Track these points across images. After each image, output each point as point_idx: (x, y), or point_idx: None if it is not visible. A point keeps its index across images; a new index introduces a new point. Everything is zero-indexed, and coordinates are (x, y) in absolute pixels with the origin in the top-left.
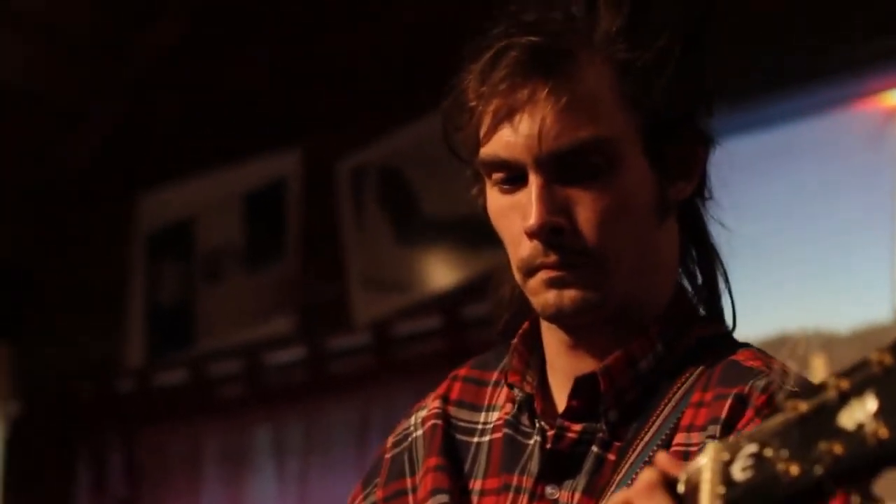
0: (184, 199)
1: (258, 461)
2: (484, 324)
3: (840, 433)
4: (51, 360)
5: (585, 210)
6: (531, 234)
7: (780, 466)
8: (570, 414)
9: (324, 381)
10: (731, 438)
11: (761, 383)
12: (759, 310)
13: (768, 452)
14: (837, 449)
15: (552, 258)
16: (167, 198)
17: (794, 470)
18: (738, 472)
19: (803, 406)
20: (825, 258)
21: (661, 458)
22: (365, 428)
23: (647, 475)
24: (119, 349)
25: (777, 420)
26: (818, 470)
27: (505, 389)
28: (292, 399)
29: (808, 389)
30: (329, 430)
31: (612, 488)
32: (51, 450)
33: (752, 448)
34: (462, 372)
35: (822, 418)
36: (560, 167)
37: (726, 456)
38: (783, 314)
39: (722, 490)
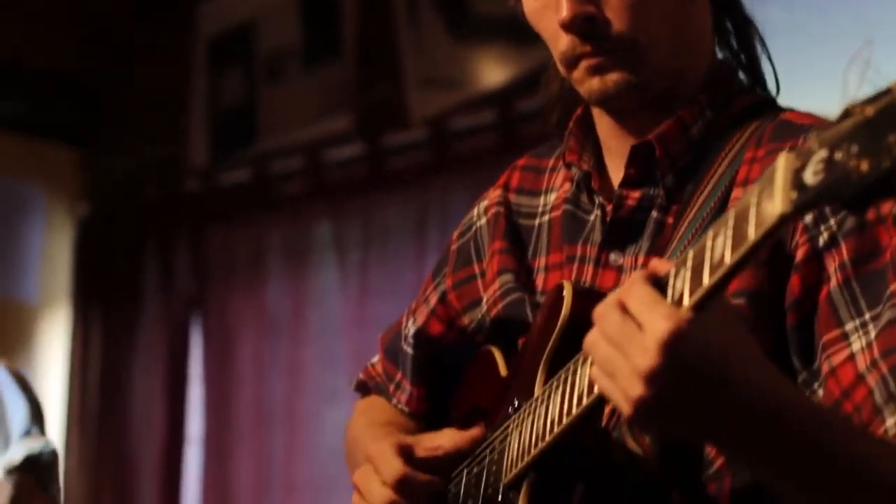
0: (243, 3)
1: (319, 255)
2: (536, 117)
3: None
4: (118, 163)
5: None
6: (565, 27)
7: (851, 164)
8: (628, 182)
9: (381, 177)
10: (802, 146)
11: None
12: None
13: (839, 155)
14: None
15: (589, 47)
16: (227, 2)
17: (864, 166)
18: (810, 177)
19: (870, 109)
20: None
21: (653, 261)
22: (421, 221)
23: (635, 274)
24: (184, 151)
25: (846, 124)
26: (886, 162)
27: (562, 173)
28: (351, 195)
29: (874, 96)
30: (387, 224)
31: (674, 247)
32: (119, 250)
33: (823, 153)
34: (520, 162)
35: (890, 116)
36: None
37: (798, 164)
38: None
39: (794, 195)
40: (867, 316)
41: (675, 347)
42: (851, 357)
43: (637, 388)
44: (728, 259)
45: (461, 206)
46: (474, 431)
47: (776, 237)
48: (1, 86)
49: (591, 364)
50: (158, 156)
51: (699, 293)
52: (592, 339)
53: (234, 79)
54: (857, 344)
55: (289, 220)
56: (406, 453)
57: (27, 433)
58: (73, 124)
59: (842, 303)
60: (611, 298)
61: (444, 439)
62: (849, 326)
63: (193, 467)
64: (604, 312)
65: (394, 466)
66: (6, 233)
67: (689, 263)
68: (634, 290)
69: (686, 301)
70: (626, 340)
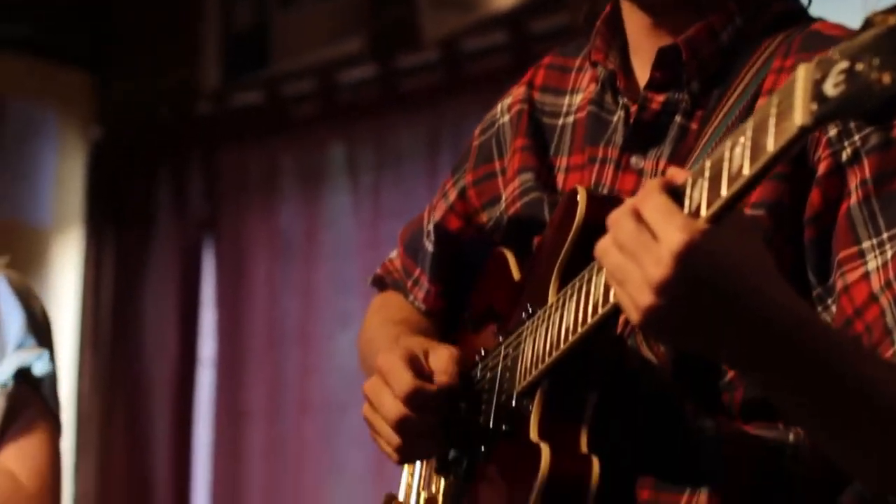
0: None
1: (332, 177)
2: (549, 38)
3: None
4: (131, 86)
5: None
6: None
7: (873, 76)
8: (654, 85)
9: (394, 99)
10: (823, 56)
11: None
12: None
13: (860, 66)
14: None
15: None
16: None
17: (886, 78)
18: (831, 89)
19: (893, 19)
20: None
21: (671, 170)
22: (434, 143)
23: (650, 182)
24: (196, 74)
25: (868, 35)
26: None
27: (588, 73)
28: (364, 116)
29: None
30: (400, 146)
31: (696, 154)
32: (132, 173)
33: (843, 65)
34: (546, 60)
35: None
36: None
37: (818, 75)
38: None
39: (814, 107)
40: (885, 235)
41: (689, 259)
42: (866, 276)
43: (647, 298)
44: (747, 171)
45: (474, 127)
46: (452, 351)
47: (795, 149)
48: (14, 8)
49: (602, 271)
50: (171, 79)
51: (717, 205)
52: (604, 246)
53: (246, 1)
54: (872, 263)
55: (301, 142)
56: (416, 365)
57: (21, 345)
58: (86, 47)
59: (860, 220)
60: (625, 206)
61: (445, 359)
62: (865, 245)
63: (206, 390)
64: (618, 220)
65: (405, 379)
66: (19, 156)
67: (707, 174)
68: (650, 198)
69: (703, 212)
70: (640, 249)
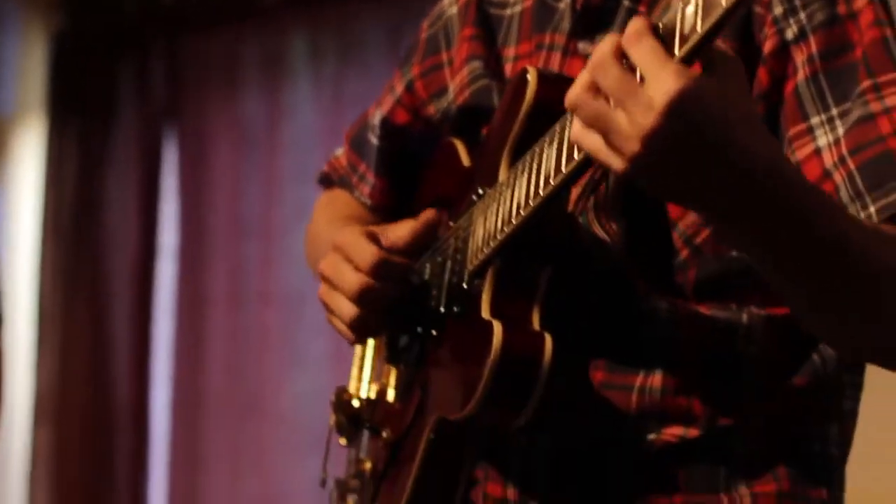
0: None
1: (295, 66)
2: None
3: None
4: None
5: None
6: None
7: None
8: None
9: None
10: None
11: None
12: None
13: None
14: None
15: None
16: None
17: None
18: None
19: None
20: None
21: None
22: (398, 30)
23: (636, 22)
24: None
25: None
26: None
27: None
28: (328, 3)
29: None
30: (363, 34)
31: None
32: (94, 62)
33: None
34: None
35: None
36: None
37: None
38: None
39: None
40: (834, 111)
41: (682, 107)
42: (817, 152)
43: (635, 146)
44: (699, 27)
45: None
46: (428, 214)
47: (748, 4)
48: None
49: (574, 122)
50: None
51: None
52: (579, 93)
53: None
54: (822, 139)
55: (264, 29)
56: (376, 239)
57: None
58: None
59: (808, 97)
60: (607, 49)
61: (404, 229)
62: (814, 120)
63: (167, 279)
64: (601, 64)
65: (368, 251)
66: None
67: (660, 32)
68: (641, 42)
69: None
70: (627, 96)
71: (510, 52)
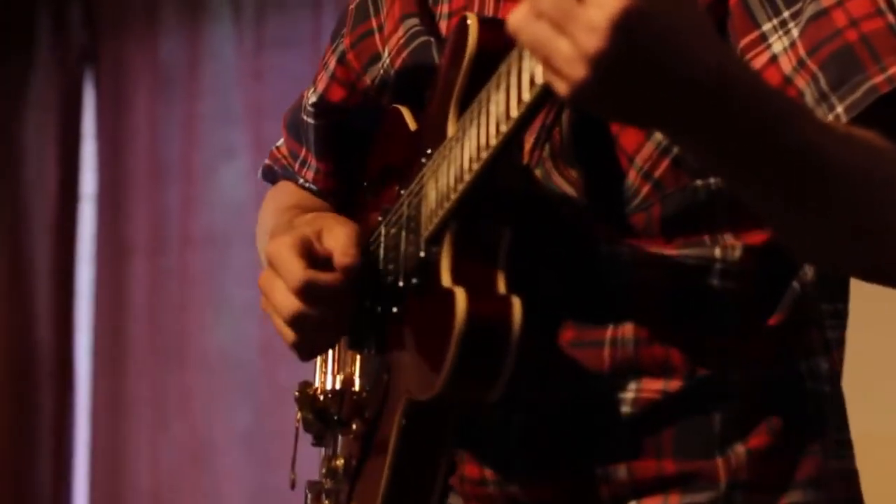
0: None
1: (214, 6)
2: None
3: None
4: None
5: None
6: None
7: None
8: None
9: None
10: None
11: None
12: None
13: None
14: None
15: None
16: None
17: None
18: None
19: None
20: None
21: None
22: None
23: None
24: None
25: None
26: None
27: None
28: None
29: None
30: None
31: None
32: (9, 3)
33: None
34: None
35: None
36: None
37: None
38: None
39: None
40: (786, 14)
41: (627, 25)
42: (774, 59)
43: (580, 71)
44: None
45: None
46: (349, 228)
47: None
48: None
49: (501, 87)
50: None
51: None
52: (520, 17)
53: None
54: (778, 45)
55: None
56: (308, 251)
57: None
58: None
59: (756, 2)
60: None
61: (338, 237)
62: (766, 27)
63: (88, 224)
64: None
65: (295, 271)
66: None
67: None
68: None
69: None
70: (566, 17)
71: (444, 8)
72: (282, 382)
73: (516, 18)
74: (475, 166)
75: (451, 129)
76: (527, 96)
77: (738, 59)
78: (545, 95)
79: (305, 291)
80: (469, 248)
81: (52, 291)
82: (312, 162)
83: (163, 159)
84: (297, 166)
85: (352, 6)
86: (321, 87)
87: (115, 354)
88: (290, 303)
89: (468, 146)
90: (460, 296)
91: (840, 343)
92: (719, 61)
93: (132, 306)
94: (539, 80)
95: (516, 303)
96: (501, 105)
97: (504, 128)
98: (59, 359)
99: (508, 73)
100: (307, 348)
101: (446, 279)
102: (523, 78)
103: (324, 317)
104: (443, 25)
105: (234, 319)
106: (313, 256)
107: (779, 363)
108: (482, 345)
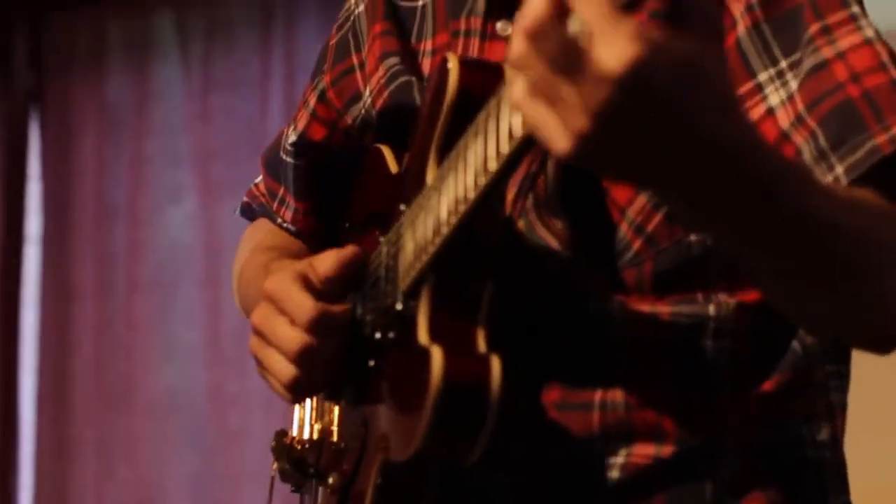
0: None
1: (161, 47)
2: None
3: None
4: None
5: None
6: None
7: None
8: None
9: None
10: None
11: None
12: None
13: None
14: None
15: None
16: None
17: None
18: None
19: None
20: None
21: None
22: (267, 10)
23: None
24: None
25: None
26: None
27: None
28: None
29: None
30: (231, 14)
31: None
32: None
33: None
34: None
35: None
36: None
37: None
38: None
39: None
40: (783, 64)
41: (641, 78)
42: (771, 112)
43: (582, 122)
44: None
45: None
46: (348, 250)
47: None
48: None
49: (480, 136)
50: None
51: None
52: (521, 53)
53: None
54: (774, 97)
55: (129, 9)
56: (310, 285)
57: None
58: None
59: (752, 51)
60: (545, 5)
61: (330, 261)
62: (763, 77)
63: (33, 267)
64: (539, 23)
65: (305, 304)
66: None
67: None
68: None
69: None
70: (573, 62)
71: (427, 45)
72: (230, 426)
73: (516, 55)
74: (453, 219)
75: (430, 177)
76: (505, 148)
77: (745, 118)
78: (525, 148)
79: (318, 324)
80: (448, 303)
81: None
82: (291, 201)
83: (109, 201)
84: (275, 205)
85: (332, 41)
86: (301, 125)
87: (60, 398)
88: (297, 337)
89: (446, 198)
90: (437, 355)
91: (843, 407)
92: (729, 122)
93: (78, 350)
94: (518, 132)
95: (496, 363)
96: (479, 156)
97: (482, 180)
98: (2, 401)
99: (486, 122)
100: (306, 386)
101: (423, 336)
102: (501, 128)
103: (332, 350)
104: (425, 63)
105: (181, 363)
106: (314, 289)
107: (777, 427)
108: (460, 407)
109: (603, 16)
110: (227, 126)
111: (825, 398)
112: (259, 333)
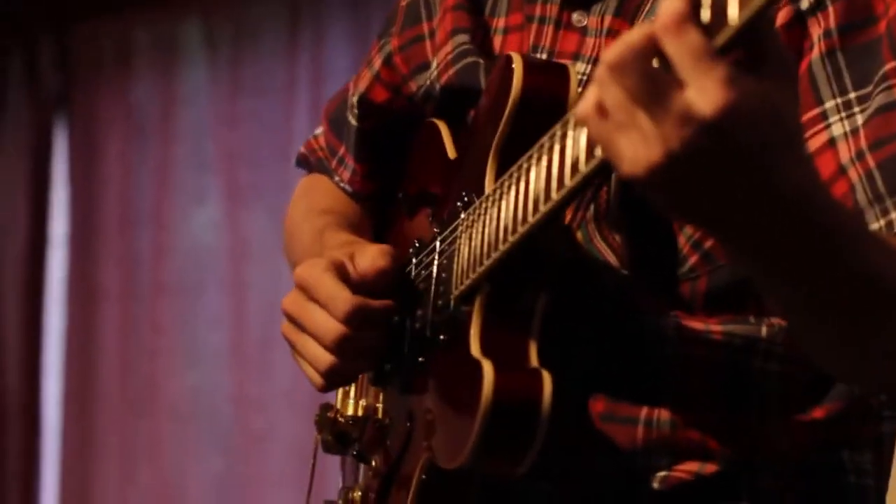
0: None
1: (189, 52)
2: None
3: None
4: None
5: None
6: None
7: None
8: None
9: None
10: None
11: None
12: None
13: None
14: None
15: None
16: None
17: None
18: None
19: None
20: None
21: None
22: (294, 15)
23: (677, 7)
24: None
25: None
26: None
27: None
28: None
29: None
30: (258, 18)
31: (648, 7)
32: None
33: None
34: None
35: None
36: None
37: None
38: None
39: None
40: (852, 95)
41: (729, 125)
42: (832, 143)
43: (656, 154)
44: (736, 18)
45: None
46: (388, 252)
47: None
48: None
49: (542, 160)
50: None
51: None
52: (603, 80)
53: None
54: (838, 127)
55: (156, 14)
56: (344, 274)
57: None
58: None
59: (823, 76)
60: (637, 39)
61: (369, 260)
62: (829, 105)
63: (57, 269)
64: (625, 58)
65: (340, 296)
66: None
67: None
68: (681, 34)
69: None
70: (658, 100)
71: (499, 23)
72: (253, 429)
73: (597, 79)
74: (511, 237)
75: (488, 183)
76: (569, 181)
77: (816, 175)
78: (590, 180)
79: (355, 316)
80: (501, 314)
81: (22, 336)
82: (350, 162)
83: (135, 205)
84: (334, 163)
85: (402, 3)
86: (363, 85)
87: (85, 400)
88: (334, 327)
89: (504, 215)
90: (488, 371)
91: (892, 437)
92: (808, 180)
93: (102, 353)
94: (583, 167)
95: (547, 379)
96: (542, 183)
97: (543, 207)
98: (27, 403)
99: (551, 150)
100: (342, 374)
101: (475, 348)
102: (566, 159)
103: (371, 342)
104: (497, 41)
105: (204, 366)
106: (349, 280)
107: (823, 452)
108: (508, 424)
109: (698, 58)
110: (252, 131)
111: (876, 427)
112: (293, 320)
